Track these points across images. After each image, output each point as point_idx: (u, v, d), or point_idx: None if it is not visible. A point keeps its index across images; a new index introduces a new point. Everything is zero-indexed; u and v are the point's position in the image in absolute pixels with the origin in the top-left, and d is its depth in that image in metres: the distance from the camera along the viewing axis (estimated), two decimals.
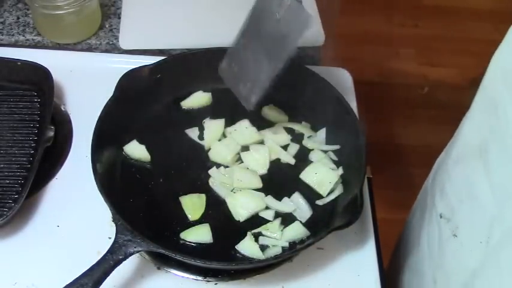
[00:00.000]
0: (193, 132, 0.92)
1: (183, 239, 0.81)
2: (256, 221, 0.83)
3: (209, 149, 0.90)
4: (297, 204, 0.85)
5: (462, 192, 0.76)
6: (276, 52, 0.82)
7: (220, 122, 0.92)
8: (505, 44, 0.67)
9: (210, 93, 0.97)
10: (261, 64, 0.84)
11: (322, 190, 0.86)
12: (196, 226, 0.82)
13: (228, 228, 0.82)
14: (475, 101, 0.76)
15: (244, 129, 0.92)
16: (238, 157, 0.90)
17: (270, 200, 0.85)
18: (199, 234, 0.81)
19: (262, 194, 0.86)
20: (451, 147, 0.83)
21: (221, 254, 0.80)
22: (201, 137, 0.92)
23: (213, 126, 0.92)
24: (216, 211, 0.84)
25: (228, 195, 0.85)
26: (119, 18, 1.09)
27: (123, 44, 1.05)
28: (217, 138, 0.91)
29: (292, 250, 0.80)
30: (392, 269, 1.00)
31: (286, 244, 0.81)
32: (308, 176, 0.87)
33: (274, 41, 0.82)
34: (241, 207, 0.84)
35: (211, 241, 0.81)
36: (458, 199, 0.77)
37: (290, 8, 0.80)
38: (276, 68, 0.82)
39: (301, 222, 0.83)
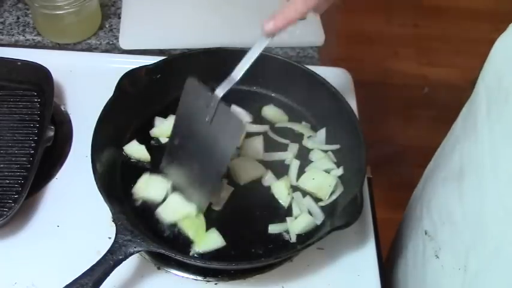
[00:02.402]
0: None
1: (198, 252, 0.79)
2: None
3: None
4: (310, 207, 0.84)
5: (444, 213, 0.75)
6: (214, 154, 0.77)
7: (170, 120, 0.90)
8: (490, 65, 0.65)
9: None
10: (202, 167, 0.80)
11: (323, 194, 0.85)
12: (204, 234, 0.81)
13: (228, 228, 0.82)
14: (461, 118, 0.73)
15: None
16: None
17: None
18: (211, 241, 0.80)
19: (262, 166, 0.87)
20: (438, 161, 0.81)
21: (221, 254, 0.80)
22: None
23: (164, 124, 0.91)
24: (217, 212, 0.84)
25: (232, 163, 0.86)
26: (119, 18, 1.09)
27: (123, 44, 1.05)
28: (166, 135, 0.89)
29: (293, 250, 0.80)
30: (389, 269, 1.00)
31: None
32: (306, 182, 0.87)
33: (210, 145, 0.77)
34: (243, 171, 0.86)
35: (224, 244, 0.80)
36: (440, 219, 0.76)
37: (218, 111, 0.74)
38: (220, 171, 0.79)
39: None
